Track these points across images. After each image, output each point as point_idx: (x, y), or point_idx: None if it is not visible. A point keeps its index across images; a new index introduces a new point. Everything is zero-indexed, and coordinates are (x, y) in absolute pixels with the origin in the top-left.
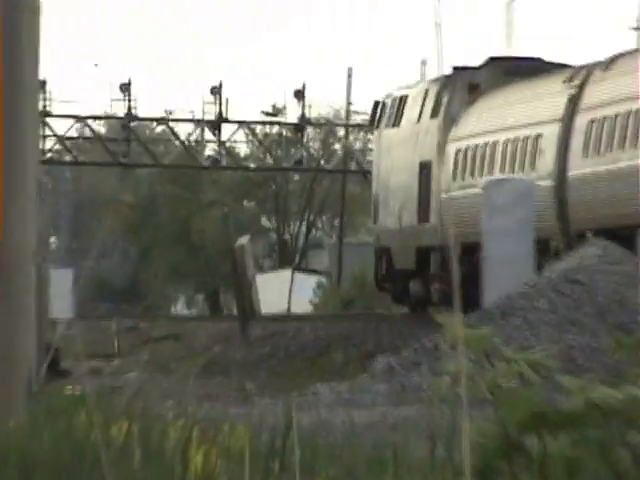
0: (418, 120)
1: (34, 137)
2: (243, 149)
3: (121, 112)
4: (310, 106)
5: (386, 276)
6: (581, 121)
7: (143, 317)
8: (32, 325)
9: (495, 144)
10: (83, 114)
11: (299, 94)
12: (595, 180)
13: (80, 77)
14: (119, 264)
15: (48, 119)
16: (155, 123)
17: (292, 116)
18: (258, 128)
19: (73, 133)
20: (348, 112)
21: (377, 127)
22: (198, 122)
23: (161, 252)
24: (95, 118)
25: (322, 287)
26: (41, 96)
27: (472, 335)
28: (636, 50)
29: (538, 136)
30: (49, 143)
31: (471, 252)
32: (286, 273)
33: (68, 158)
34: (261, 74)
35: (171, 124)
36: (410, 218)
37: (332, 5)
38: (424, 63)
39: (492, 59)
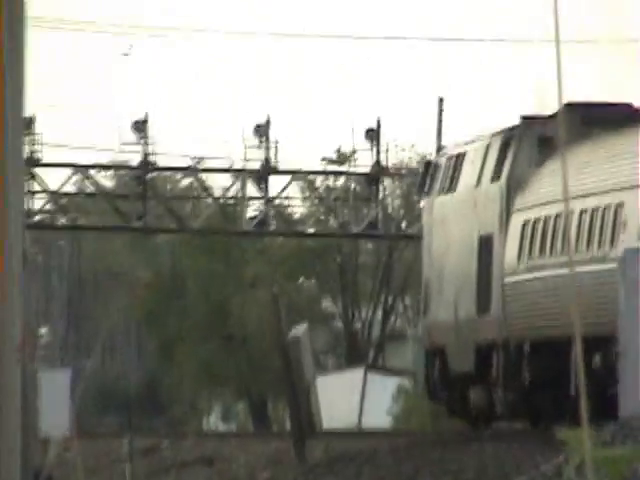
0: (477, 184)
1: (18, 192)
2: (298, 209)
3: (134, 160)
4: (387, 150)
5: (440, 382)
6: None
7: (165, 435)
8: (17, 444)
9: (569, 215)
10: (83, 162)
11: (372, 134)
12: None
13: (79, 115)
14: (132, 363)
15: (37, 169)
16: (180, 174)
17: (363, 164)
18: (318, 180)
19: (70, 188)
20: None
21: (428, 193)
22: (238, 173)
23: (189, 347)
24: (100, 168)
25: (404, 393)
26: (27, 139)
27: (607, 457)
28: None
29: (619, 205)
30: (39, 202)
31: (546, 351)
32: (356, 374)
33: (64, 221)
34: (320, 110)
35: (201, 175)
36: (467, 308)
37: (422, 21)
38: (540, 97)
39: (567, 105)
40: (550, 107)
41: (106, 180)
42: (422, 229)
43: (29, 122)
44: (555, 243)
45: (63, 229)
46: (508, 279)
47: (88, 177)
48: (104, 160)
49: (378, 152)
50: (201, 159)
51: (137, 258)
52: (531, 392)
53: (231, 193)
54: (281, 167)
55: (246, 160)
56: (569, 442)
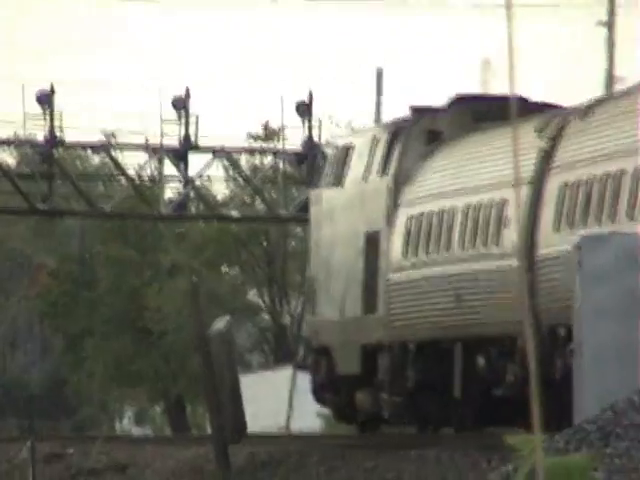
0: (364, 178)
1: None
2: (221, 190)
3: (39, 135)
4: (320, 126)
5: (326, 384)
6: (552, 184)
7: (72, 439)
8: None
9: (454, 211)
10: None
11: (304, 109)
12: (569, 261)
13: None
14: (35, 360)
15: None
16: (90, 151)
17: (294, 141)
18: (243, 159)
19: None
20: None
21: (316, 185)
22: (154, 150)
23: (99, 342)
24: (0, 143)
25: None
26: None
27: (560, 464)
28: (624, 93)
29: (504, 202)
30: None
31: (431, 353)
32: (284, 373)
33: None
34: (246, 81)
35: (114, 153)
36: (353, 307)
37: None
38: (487, 63)
39: (459, 99)
40: (497, 80)
41: (7, 157)
42: (309, 223)
43: None
44: (441, 239)
45: None
46: (393, 277)
47: None
48: (5, 134)
49: (310, 128)
50: (114, 134)
51: (42, 244)
52: (416, 395)
53: (147, 173)
54: (202, 144)
55: (163, 136)
56: (518, 448)
